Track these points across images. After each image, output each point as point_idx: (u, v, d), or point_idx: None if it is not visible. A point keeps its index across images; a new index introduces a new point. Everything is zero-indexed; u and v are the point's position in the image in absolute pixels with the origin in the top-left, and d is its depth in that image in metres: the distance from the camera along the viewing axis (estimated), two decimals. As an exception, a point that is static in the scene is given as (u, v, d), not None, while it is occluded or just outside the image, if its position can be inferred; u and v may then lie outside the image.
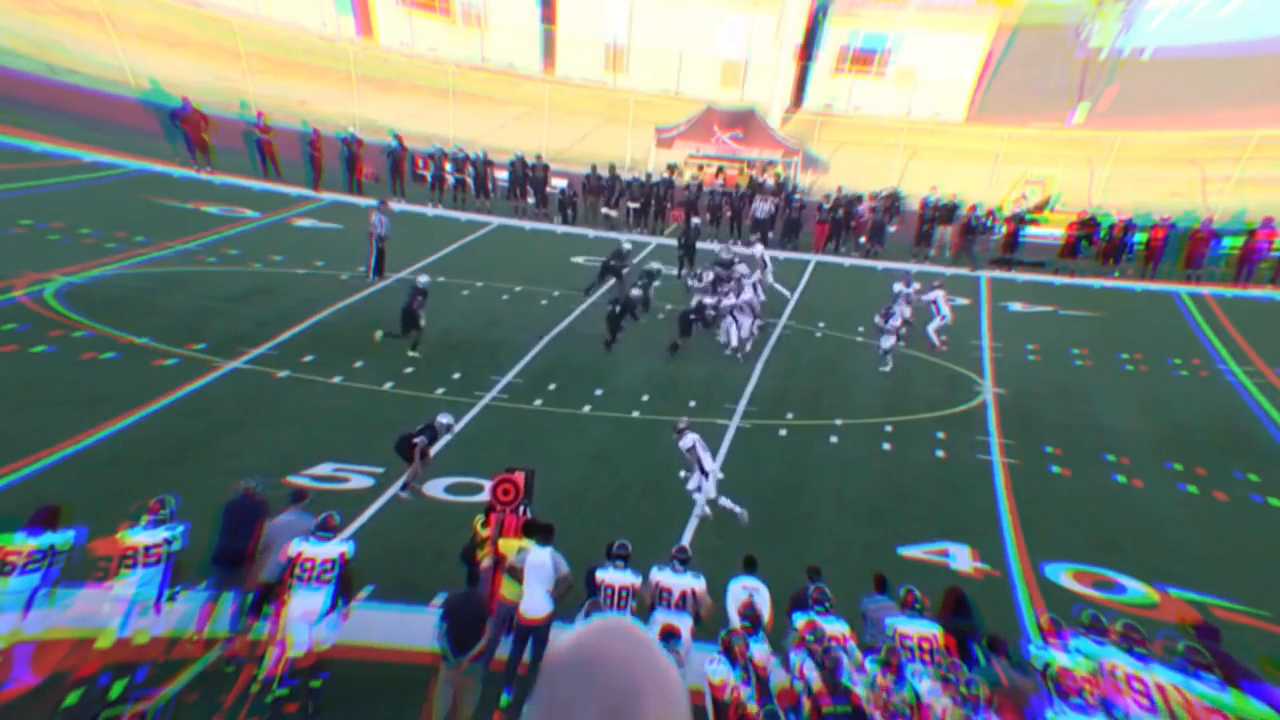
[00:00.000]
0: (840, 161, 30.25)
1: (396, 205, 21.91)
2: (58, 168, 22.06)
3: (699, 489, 10.20)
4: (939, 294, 16.78)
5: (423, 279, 14.61)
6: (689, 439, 10.22)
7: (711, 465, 10.23)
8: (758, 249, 19.59)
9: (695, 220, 19.86)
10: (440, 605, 6.90)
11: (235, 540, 7.39)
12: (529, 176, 24.81)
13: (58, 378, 11.99)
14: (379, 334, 14.00)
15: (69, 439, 10.42)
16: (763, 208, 23.33)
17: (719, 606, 7.25)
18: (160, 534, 6.93)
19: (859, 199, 24.38)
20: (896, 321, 15.32)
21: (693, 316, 15.48)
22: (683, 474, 10.51)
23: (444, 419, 10.51)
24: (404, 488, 10.09)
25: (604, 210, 24.42)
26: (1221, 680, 5.61)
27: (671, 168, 27.00)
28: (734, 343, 15.42)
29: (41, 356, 12.48)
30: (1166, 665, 6.01)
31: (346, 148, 23.95)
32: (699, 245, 20.43)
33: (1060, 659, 5.98)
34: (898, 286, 16.61)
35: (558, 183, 25.28)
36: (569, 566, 7.27)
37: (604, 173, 24.61)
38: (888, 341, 15.36)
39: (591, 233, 23.65)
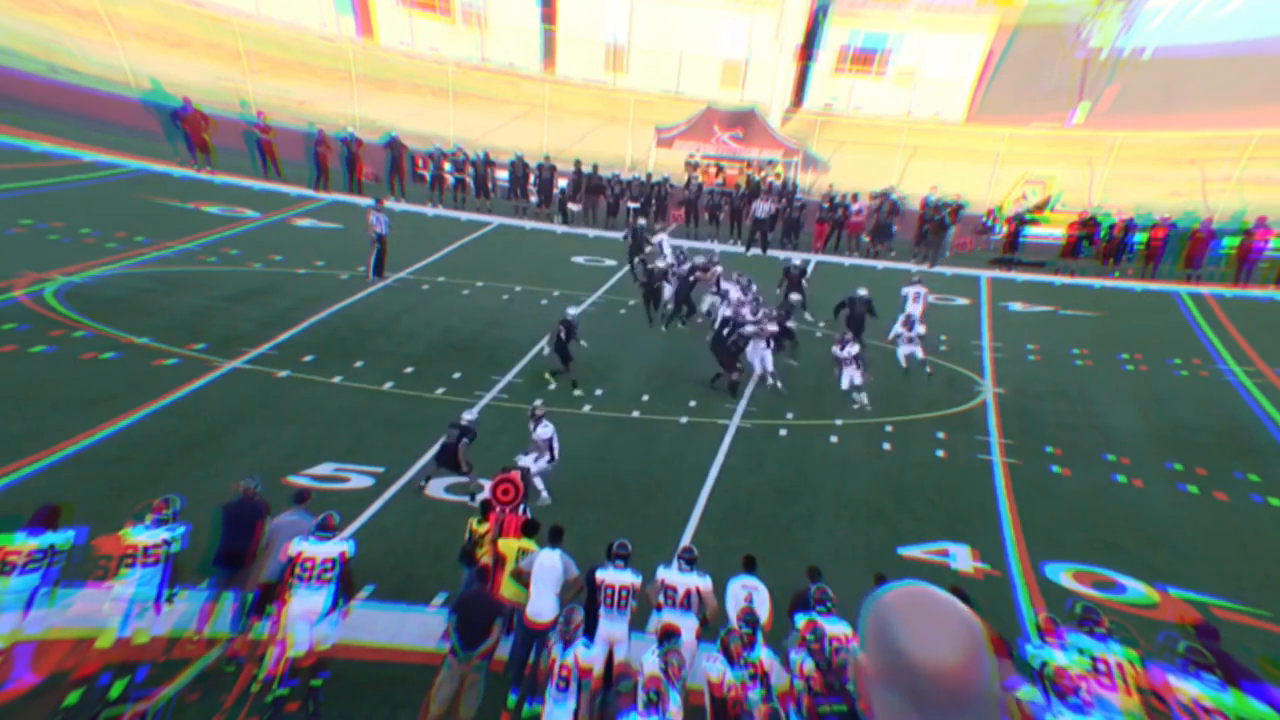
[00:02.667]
0: (840, 161, 30.26)
1: (396, 205, 21.97)
2: (58, 167, 22.07)
3: (540, 470, 10.25)
4: (918, 289, 17.01)
5: (571, 311, 14.16)
6: (550, 428, 10.33)
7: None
8: (659, 238, 19.41)
9: (641, 221, 20.01)
10: (453, 600, 6.91)
11: (236, 541, 7.38)
12: (531, 177, 24.82)
13: (58, 378, 11.99)
14: (547, 374, 13.67)
15: (69, 439, 10.42)
16: (763, 207, 23.34)
17: (720, 607, 7.25)
18: (160, 534, 6.94)
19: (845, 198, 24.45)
20: (921, 329, 15.21)
21: (725, 332, 14.32)
22: (533, 455, 10.43)
23: (470, 415, 10.56)
24: (473, 498, 9.86)
25: (570, 206, 24.47)
26: (1222, 680, 5.61)
27: (694, 165, 27.17)
28: (770, 367, 14.23)
29: (41, 356, 12.49)
30: (1119, 643, 6.18)
31: (346, 148, 23.99)
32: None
33: (1057, 658, 5.99)
34: (905, 290, 16.81)
35: (559, 182, 25.30)
36: (578, 569, 7.28)
37: (604, 172, 24.65)
38: (908, 349, 15.16)
39: (592, 232, 23.66)
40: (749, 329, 14.20)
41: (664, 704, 5.68)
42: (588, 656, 6.39)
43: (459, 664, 6.62)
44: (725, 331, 14.23)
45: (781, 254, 23.00)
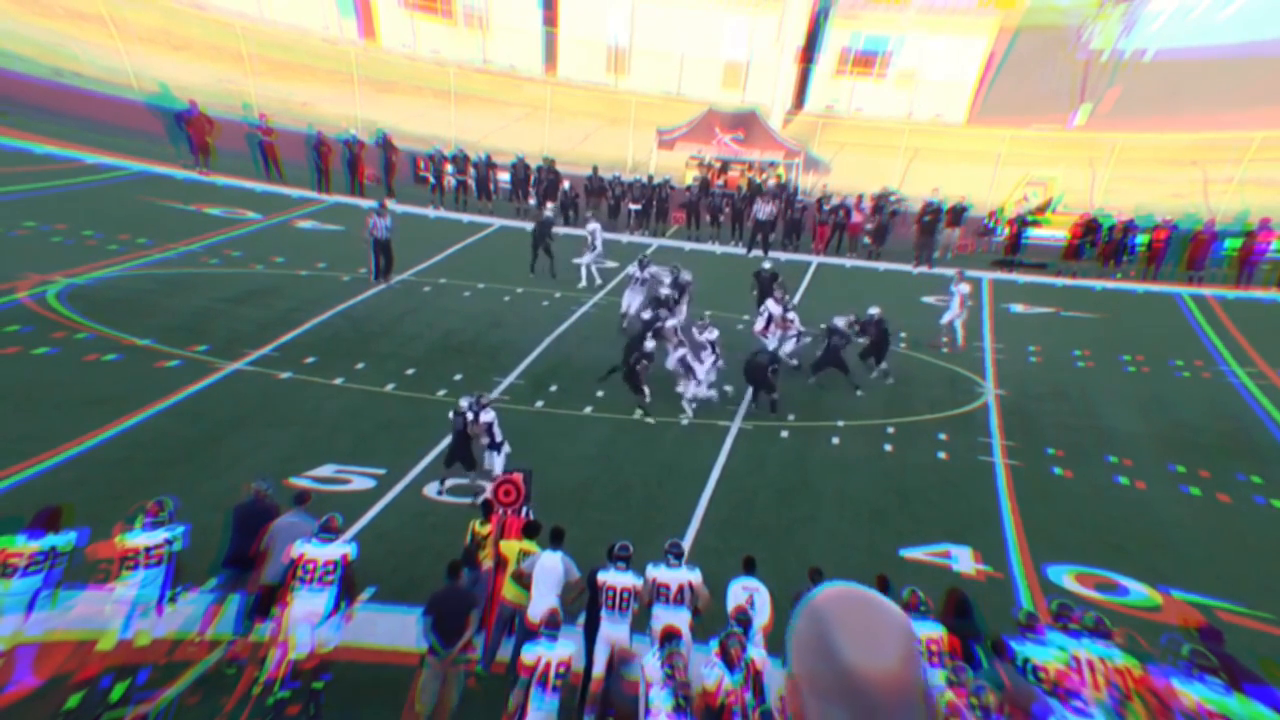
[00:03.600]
0: (842, 163, 30.26)
1: (394, 205, 22.04)
2: (61, 170, 22.11)
3: (492, 464, 10.29)
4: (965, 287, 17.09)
5: (649, 344, 13.32)
6: (492, 414, 10.34)
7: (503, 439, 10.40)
8: (590, 227, 19.15)
9: (548, 212, 19.70)
10: (424, 602, 6.91)
11: (247, 543, 7.38)
12: (535, 179, 24.82)
13: (60, 379, 12.00)
14: (642, 414, 12.94)
15: (71, 441, 10.43)
16: (764, 209, 23.33)
17: (718, 605, 7.25)
18: (161, 535, 6.93)
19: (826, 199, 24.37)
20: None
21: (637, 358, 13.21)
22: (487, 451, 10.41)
23: (466, 401, 10.54)
24: (476, 498, 9.83)
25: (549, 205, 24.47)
26: (1226, 684, 5.60)
27: (708, 166, 27.18)
28: (688, 393, 13.14)
29: (44, 358, 12.50)
30: (1092, 637, 6.24)
31: (348, 150, 24.03)
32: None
33: (1035, 654, 6.06)
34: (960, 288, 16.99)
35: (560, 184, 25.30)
36: (579, 571, 7.28)
37: (604, 174, 24.64)
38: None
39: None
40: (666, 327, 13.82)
41: (691, 705, 5.69)
42: (531, 654, 6.32)
43: (439, 663, 6.63)
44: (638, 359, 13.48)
45: (784, 256, 23.00)
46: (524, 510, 8.27)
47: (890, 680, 1.24)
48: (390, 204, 18.91)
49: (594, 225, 19.39)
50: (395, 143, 24.43)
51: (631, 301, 16.02)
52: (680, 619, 6.95)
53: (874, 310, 15.14)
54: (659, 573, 7.22)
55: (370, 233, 17.32)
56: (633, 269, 16.82)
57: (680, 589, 7.13)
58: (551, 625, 6.48)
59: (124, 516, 7.16)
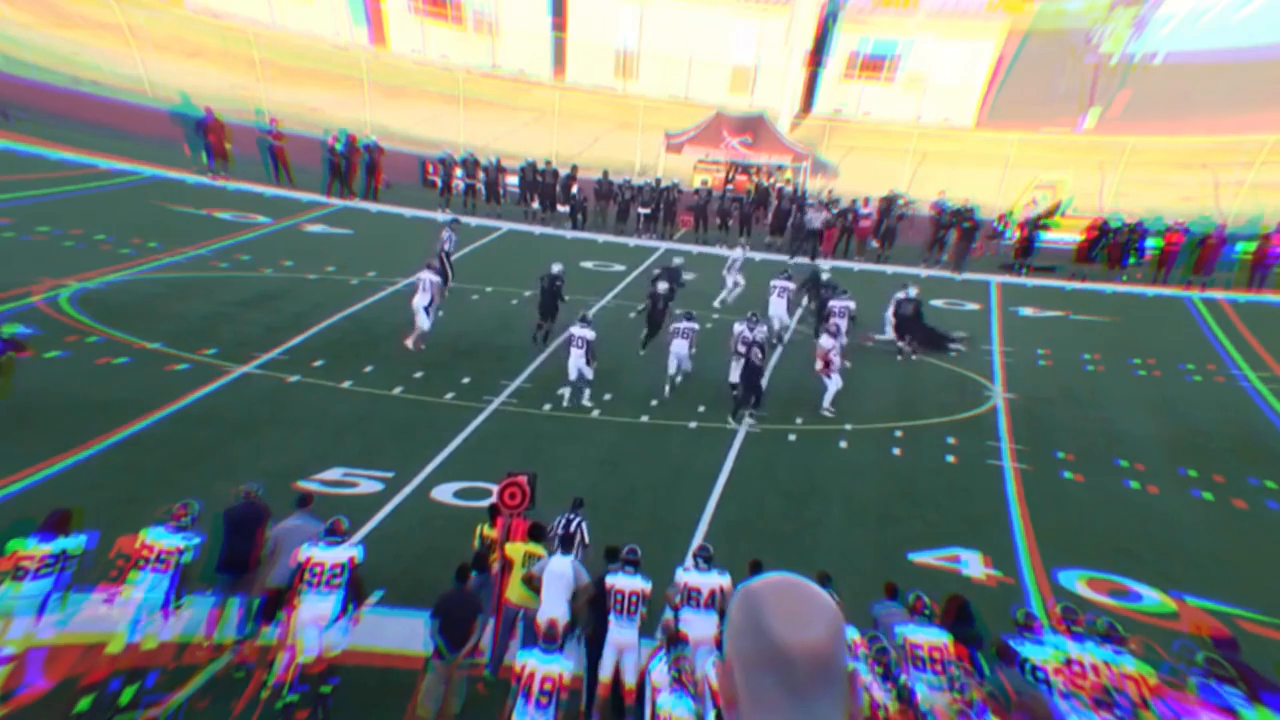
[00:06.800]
0: (850, 166, 30.21)
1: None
2: (75, 175, 22.31)
3: None
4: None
5: (664, 282, 15.19)
6: None
7: None
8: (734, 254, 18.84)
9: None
10: (432, 605, 6.89)
11: (239, 546, 7.39)
12: (541, 183, 24.87)
13: (71, 383, 12.08)
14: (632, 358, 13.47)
15: (82, 444, 10.49)
16: (817, 218, 23.05)
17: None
18: (176, 542, 6.95)
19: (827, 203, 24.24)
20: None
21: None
22: None
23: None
24: None
25: (536, 206, 24.26)
26: (1245, 695, 5.51)
27: (738, 168, 27.31)
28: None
29: (56, 362, 12.58)
30: (1095, 642, 6.20)
31: (368, 154, 24.18)
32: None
33: (1034, 653, 6.05)
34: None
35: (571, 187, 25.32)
36: (588, 576, 7.26)
37: (614, 178, 24.67)
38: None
39: (601, 237, 23.69)
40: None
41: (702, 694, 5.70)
42: (519, 662, 6.16)
43: (444, 666, 6.62)
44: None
45: (790, 259, 22.94)
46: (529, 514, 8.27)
47: (813, 651, 1.36)
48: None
49: (736, 254, 18.73)
50: (357, 144, 24.35)
51: (778, 310, 16.58)
52: (712, 624, 6.89)
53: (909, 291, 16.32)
54: (690, 577, 7.19)
55: (442, 248, 17.16)
56: (777, 280, 16.89)
57: (712, 593, 7.10)
58: (550, 637, 6.27)
59: (154, 518, 7.18)
